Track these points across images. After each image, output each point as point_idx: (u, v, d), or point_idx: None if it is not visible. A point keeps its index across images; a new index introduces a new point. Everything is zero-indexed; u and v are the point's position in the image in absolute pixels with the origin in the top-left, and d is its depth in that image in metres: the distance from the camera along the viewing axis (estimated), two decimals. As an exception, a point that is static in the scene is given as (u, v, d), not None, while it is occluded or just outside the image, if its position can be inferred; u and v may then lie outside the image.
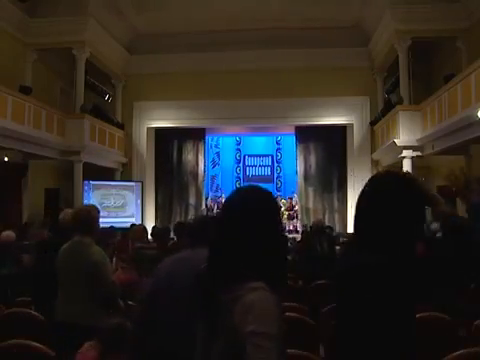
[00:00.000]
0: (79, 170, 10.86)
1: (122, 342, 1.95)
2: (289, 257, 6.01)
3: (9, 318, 3.06)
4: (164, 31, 12.59)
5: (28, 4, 10.23)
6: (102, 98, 13.13)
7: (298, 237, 9.98)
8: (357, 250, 1.39)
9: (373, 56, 12.54)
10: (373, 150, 12.47)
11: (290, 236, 10.73)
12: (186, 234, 4.01)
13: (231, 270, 1.21)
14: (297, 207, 14.12)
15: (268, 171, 16.89)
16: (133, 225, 9.43)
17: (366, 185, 1.47)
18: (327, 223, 10.59)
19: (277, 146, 16.82)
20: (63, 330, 2.74)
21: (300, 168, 13.79)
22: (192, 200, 14.06)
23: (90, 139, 11.13)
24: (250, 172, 16.93)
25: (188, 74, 12.71)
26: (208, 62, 12.57)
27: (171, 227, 12.46)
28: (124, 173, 13.33)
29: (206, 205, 14.49)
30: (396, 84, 11.47)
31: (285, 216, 13.88)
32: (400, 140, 9.90)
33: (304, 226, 11.87)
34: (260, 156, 16.94)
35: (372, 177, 1.51)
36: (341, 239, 9.03)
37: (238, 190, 1.37)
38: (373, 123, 12.47)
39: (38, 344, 2.38)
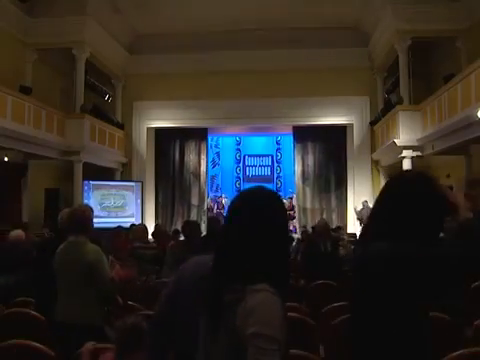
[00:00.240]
0: (79, 170, 10.87)
1: (138, 342, 1.96)
2: (291, 256, 6.02)
3: (9, 318, 3.06)
4: (164, 31, 12.60)
5: (28, 4, 10.25)
6: (102, 98, 13.14)
7: (298, 237, 9.98)
8: (375, 240, 1.38)
9: (373, 56, 12.55)
10: (373, 150, 12.48)
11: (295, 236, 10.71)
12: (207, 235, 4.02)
13: (235, 271, 1.20)
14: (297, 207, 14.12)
15: (268, 171, 16.88)
16: (133, 225, 9.47)
17: (392, 183, 1.47)
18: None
19: (277, 146, 16.81)
20: (63, 330, 2.74)
21: (298, 168, 13.81)
22: (194, 200, 14.06)
23: (90, 139, 11.14)
24: (250, 172, 16.92)
25: (188, 74, 12.71)
26: (208, 62, 12.57)
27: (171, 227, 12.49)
28: (124, 173, 13.34)
29: (206, 205, 14.48)
30: (396, 84, 11.48)
31: (286, 216, 13.83)
32: (400, 140, 9.90)
33: (304, 226, 11.86)
34: (260, 156, 16.93)
35: (400, 177, 1.50)
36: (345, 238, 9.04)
37: (244, 191, 1.36)
38: (373, 123, 12.47)
39: (38, 344, 2.38)
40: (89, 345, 2.20)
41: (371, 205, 8.83)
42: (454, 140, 8.19)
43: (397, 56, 10.69)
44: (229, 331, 1.15)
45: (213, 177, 16.44)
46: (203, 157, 14.25)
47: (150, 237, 7.30)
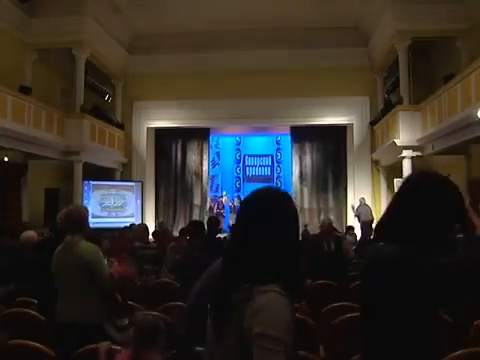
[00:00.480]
0: (79, 170, 10.87)
1: (155, 340, 1.99)
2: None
3: (9, 318, 3.05)
4: (164, 31, 12.60)
5: (28, 4, 10.25)
6: (102, 98, 13.15)
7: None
8: (388, 241, 1.35)
9: (373, 56, 12.54)
10: (373, 150, 12.48)
11: None
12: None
13: (245, 271, 1.20)
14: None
15: (268, 171, 16.87)
16: (132, 225, 9.47)
17: (419, 183, 1.41)
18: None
19: (277, 146, 16.80)
20: (63, 330, 2.75)
21: (295, 168, 13.82)
22: (197, 200, 14.06)
23: (90, 139, 11.14)
24: (250, 172, 16.92)
25: (188, 74, 12.71)
26: (208, 62, 12.58)
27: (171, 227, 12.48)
28: (124, 173, 13.34)
29: (208, 205, 14.48)
30: (396, 84, 11.48)
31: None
32: (400, 140, 9.90)
33: (305, 225, 11.87)
34: (260, 156, 16.93)
35: (428, 178, 1.42)
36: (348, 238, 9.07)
37: (254, 191, 1.36)
38: (373, 123, 12.48)
39: (38, 344, 2.38)
40: (104, 344, 2.23)
41: (368, 203, 8.82)
42: (454, 140, 8.18)
43: (397, 56, 10.69)
44: (236, 330, 1.15)
45: (213, 177, 16.44)
46: (205, 157, 14.26)
47: (150, 237, 7.28)
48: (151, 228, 8.93)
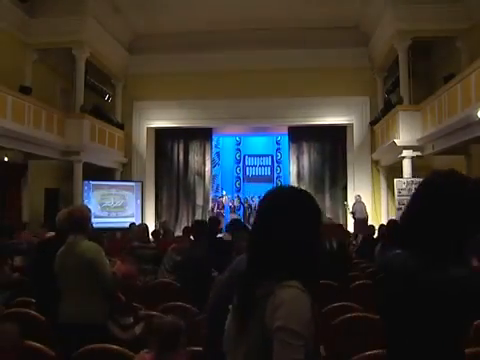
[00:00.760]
0: (79, 170, 10.87)
1: (178, 341, 2.02)
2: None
3: (9, 318, 3.05)
4: (164, 31, 12.60)
5: (28, 4, 10.25)
6: (102, 98, 13.14)
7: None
8: (408, 253, 1.32)
9: (373, 56, 12.54)
10: (373, 150, 12.48)
11: None
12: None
13: (266, 268, 1.21)
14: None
15: (268, 171, 16.89)
16: (132, 225, 9.46)
17: (445, 185, 1.32)
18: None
19: (277, 146, 16.81)
20: (66, 330, 2.74)
21: (293, 168, 13.82)
22: (199, 200, 14.04)
23: (90, 139, 11.14)
24: (250, 172, 16.94)
25: (188, 74, 12.70)
26: (208, 62, 12.57)
27: (172, 226, 12.46)
28: (124, 173, 13.34)
29: (210, 205, 14.47)
30: (396, 84, 11.47)
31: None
32: (400, 140, 9.90)
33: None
34: (260, 156, 16.94)
35: (457, 180, 1.34)
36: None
37: (273, 189, 1.37)
38: (373, 123, 12.47)
39: (38, 344, 2.38)
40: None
41: (368, 203, 8.80)
42: (454, 140, 8.18)
43: (397, 56, 10.68)
44: (258, 326, 1.16)
45: (213, 177, 16.44)
46: (208, 157, 14.25)
47: (150, 237, 7.27)
48: (151, 228, 8.92)
